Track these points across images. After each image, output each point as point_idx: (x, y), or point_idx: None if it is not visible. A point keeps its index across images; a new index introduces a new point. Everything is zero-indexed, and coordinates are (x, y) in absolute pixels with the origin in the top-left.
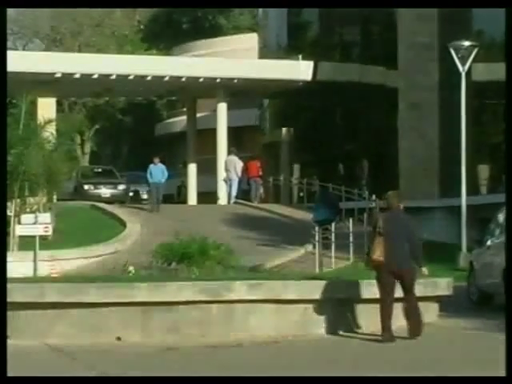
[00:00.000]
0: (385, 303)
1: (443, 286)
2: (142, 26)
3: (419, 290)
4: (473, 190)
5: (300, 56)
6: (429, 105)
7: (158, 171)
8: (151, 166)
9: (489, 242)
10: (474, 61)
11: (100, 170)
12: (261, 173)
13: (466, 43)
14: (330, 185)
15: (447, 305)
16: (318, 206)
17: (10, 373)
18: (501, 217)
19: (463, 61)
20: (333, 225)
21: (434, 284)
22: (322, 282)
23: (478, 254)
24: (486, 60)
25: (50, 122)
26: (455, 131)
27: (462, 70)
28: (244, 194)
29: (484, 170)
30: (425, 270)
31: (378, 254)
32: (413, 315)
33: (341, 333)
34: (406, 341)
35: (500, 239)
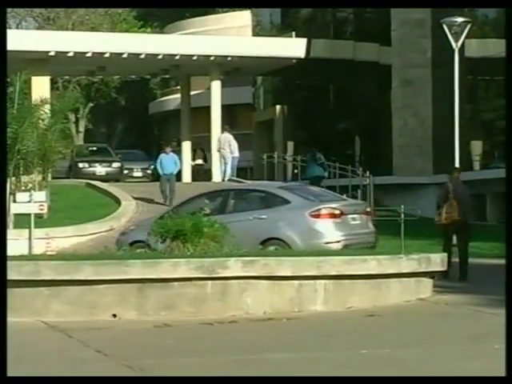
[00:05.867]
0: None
1: (437, 261)
2: None
3: (412, 265)
4: (466, 165)
5: (293, 33)
6: (422, 81)
7: (170, 162)
8: (162, 155)
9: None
10: (467, 37)
11: (95, 148)
12: None
13: (459, 19)
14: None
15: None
16: (308, 166)
17: (7, 351)
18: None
19: (456, 37)
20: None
21: (427, 259)
22: (317, 258)
23: None
24: (479, 36)
25: (45, 102)
26: (448, 108)
27: (455, 46)
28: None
29: (477, 146)
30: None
31: (451, 215)
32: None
33: (334, 309)
34: (402, 317)
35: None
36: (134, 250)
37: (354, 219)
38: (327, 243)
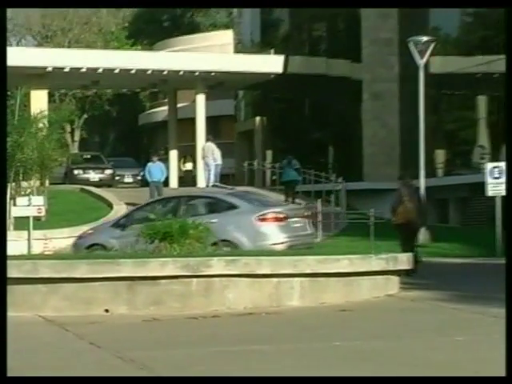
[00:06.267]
0: (405, 245)
1: (404, 260)
2: (126, 24)
3: (381, 264)
4: (430, 172)
5: (272, 51)
6: (390, 95)
7: (157, 170)
8: (149, 164)
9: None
10: (431, 55)
11: (89, 156)
12: None
13: (424, 38)
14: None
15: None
16: (284, 171)
17: (8, 344)
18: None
19: (421, 54)
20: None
21: (395, 259)
22: (293, 258)
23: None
24: (442, 54)
25: (43, 116)
26: (414, 119)
27: (420, 63)
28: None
29: (440, 155)
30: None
31: (406, 216)
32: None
33: (309, 304)
34: (371, 312)
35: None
36: (91, 253)
37: (295, 222)
38: (273, 244)
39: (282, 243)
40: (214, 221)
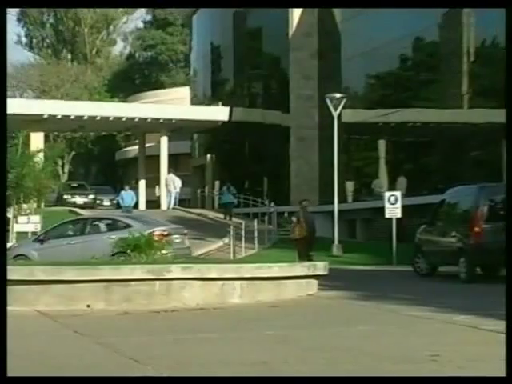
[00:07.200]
0: (302, 253)
1: (321, 267)
2: (106, 81)
3: (303, 270)
4: (342, 199)
5: (220, 103)
6: (311, 139)
7: (128, 197)
8: (122, 192)
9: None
10: (343, 108)
11: (75, 184)
12: None
13: (338, 95)
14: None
15: (325, 280)
16: (223, 195)
17: (9, 331)
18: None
19: (335, 108)
20: (246, 224)
21: (314, 266)
22: (235, 265)
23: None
24: (352, 107)
25: (40, 151)
26: (330, 157)
27: (335, 114)
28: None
29: (350, 185)
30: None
31: (301, 233)
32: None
33: (248, 302)
34: (296, 308)
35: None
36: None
37: (176, 238)
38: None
39: (167, 254)
40: (113, 237)
